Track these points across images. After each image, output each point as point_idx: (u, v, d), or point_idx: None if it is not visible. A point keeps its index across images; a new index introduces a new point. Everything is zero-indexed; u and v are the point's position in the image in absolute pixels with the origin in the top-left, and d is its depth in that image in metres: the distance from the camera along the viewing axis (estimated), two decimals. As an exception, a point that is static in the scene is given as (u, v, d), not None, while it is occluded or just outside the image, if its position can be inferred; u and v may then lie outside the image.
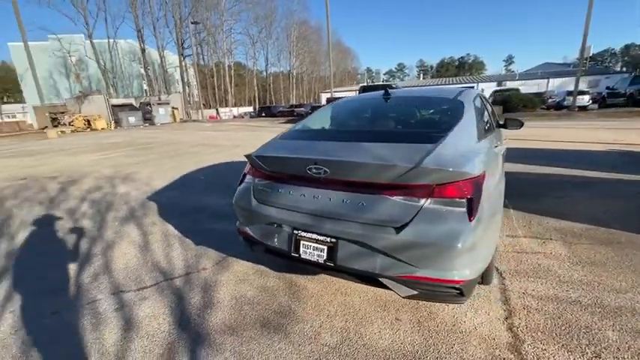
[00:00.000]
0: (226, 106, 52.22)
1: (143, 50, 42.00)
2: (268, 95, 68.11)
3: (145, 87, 50.63)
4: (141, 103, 29.91)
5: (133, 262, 2.76)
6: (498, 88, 29.66)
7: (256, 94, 63.58)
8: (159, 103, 29.32)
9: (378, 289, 1.98)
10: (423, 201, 1.50)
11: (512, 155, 6.59)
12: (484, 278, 1.99)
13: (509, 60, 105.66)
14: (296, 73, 69.06)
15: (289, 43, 64.99)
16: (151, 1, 42.12)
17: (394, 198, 1.55)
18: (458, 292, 1.51)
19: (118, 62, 46.28)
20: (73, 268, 2.69)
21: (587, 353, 1.59)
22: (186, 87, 43.01)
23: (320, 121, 2.65)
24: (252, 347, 1.73)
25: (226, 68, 52.04)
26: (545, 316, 1.86)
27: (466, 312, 1.94)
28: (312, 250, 1.73)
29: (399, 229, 1.50)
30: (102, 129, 23.58)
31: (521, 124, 3.64)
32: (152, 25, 43.15)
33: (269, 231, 1.93)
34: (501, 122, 3.65)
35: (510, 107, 19.67)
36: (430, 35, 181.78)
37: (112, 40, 42.21)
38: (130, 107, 29.08)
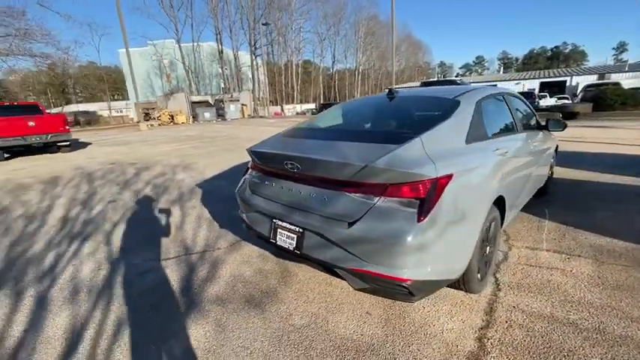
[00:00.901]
0: (292, 102, 54.46)
1: (221, 51, 46.13)
2: (333, 92, 68.94)
3: (222, 85, 55.58)
4: (215, 100, 33.09)
5: (167, 237, 3.26)
6: (592, 82, 25.36)
7: (321, 91, 65.01)
8: (230, 100, 32.07)
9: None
10: (376, 199, 1.56)
11: (573, 160, 5.80)
12: (466, 285, 1.93)
13: (621, 47, 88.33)
14: (362, 69, 68.55)
15: (357, 39, 64.75)
16: (229, 6, 45.93)
17: (351, 195, 1.63)
18: (406, 291, 1.53)
19: (200, 63, 51.55)
20: (117, 236, 3.30)
21: (555, 376, 1.47)
22: (257, 85, 46.01)
23: (323, 119, 2.77)
24: (230, 317, 1.98)
25: (293, 66, 54.17)
26: (527, 333, 1.74)
27: (440, 316, 1.91)
28: (285, 238, 1.90)
29: (351, 224, 1.58)
30: (182, 123, 26.75)
31: (565, 126, 3.26)
32: (229, 28, 47.07)
33: (258, 219, 2.16)
34: (543, 123, 3.30)
35: (604, 105, 16.73)
36: (515, 24, 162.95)
37: (195, 44, 47.19)
38: (206, 104, 32.37)
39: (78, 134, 18.17)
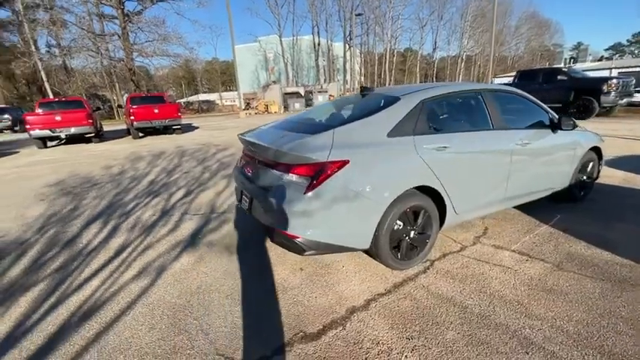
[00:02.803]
0: (384, 93, 53.38)
1: (318, 43, 48.37)
2: (430, 80, 64.75)
3: (319, 76, 58.39)
4: (306, 91, 35.32)
5: (206, 199, 4.28)
6: None
7: (417, 80, 61.80)
8: (319, 91, 33.78)
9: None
10: (284, 175, 2.06)
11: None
12: (378, 259, 2.26)
13: None
14: (466, 56, 62.15)
15: (463, 23, 58.85)
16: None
17: (272, 171, 2.15)
18: (298, 246, 2.01)
19: (300, 56, 55.08)
20: (175, 197, 4.47)
21: (403, 337, 1.76)
22: (350, 75, 46.93)
23: (308, 113, 3.24)
24: (210, 255, 2.76)
25: (387, 55, 52.90)
26: (413, 305, 2.00)
27: (353, 280, 2.29)
28: (244, 202, 2.55)
29: (268, 193, 2.13)
30: (274, 112, 29.63)
31: (574, 126, 2.97)
32: (325, 21, 48.81)
33: (237, 189, 2.85)
34: (555, 121, 3.07)
35: None
36: None
37: (295, 38, 50.59)
38: (297, 95, 34.87)
39: (194, 119, 22.23)
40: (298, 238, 1.99)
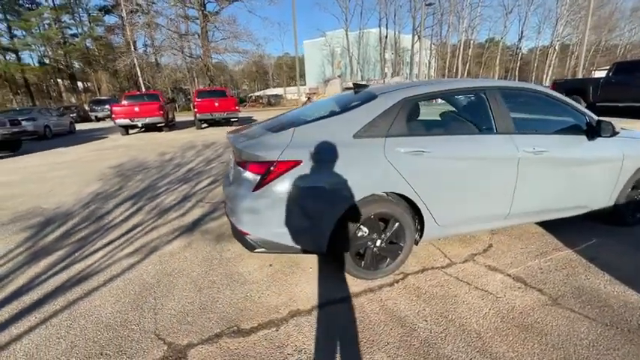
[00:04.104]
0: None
1: (386, 36, 46.92)
2: (512, 74, 57.87)
3: (385, 70, 56.80)
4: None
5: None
6: None
7: (496, 74, 55.84)
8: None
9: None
10: (243, 173, 2.08)
11: None
12: (343, 265, 2.16)
13: None
14: (560, 45, 53.85)
15: (558, 7, 51.04)
16: (400, -11, 45.51)
17: (239, 169, 2.19)
18: (248, 242, 2.03)
19: (366, 49, 54.14)
20: (200, 185, 4.83)
21: (329, 350, 1.68)
22: (418, 68, 44.54)
23: (306, 110, 3.16)
24: (199, 241, 2.95)
25: (462, 47, 48.74)
26: (359, 318, 1.89)
27: (310, 283, 2.24)
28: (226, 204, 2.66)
29: (232, 189, 2.18)
30: (335, 106, 29.98)
31: (613, 131, 2.41)
32: (394, 12, 46.93)
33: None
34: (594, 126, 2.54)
35: None
36: None
37: (361, 31, 49.80)
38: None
39: (257, 113, 23.59)
40: (248, 234, 2.02)
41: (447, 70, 51.82)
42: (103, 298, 2.15)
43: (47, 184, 5.25)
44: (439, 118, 2.56)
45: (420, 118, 2.49)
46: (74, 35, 38.20)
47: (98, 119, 22.92)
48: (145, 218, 3.56)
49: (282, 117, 2.89)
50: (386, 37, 47.60)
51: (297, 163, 1.93)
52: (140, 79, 29.04)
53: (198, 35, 29.47)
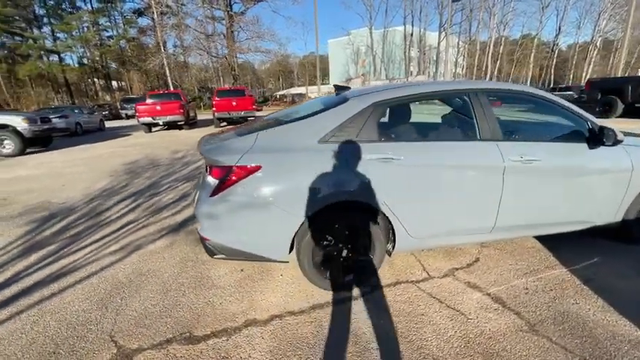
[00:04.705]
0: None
1: (411, 34, 45.85)
2: (547, 72, 54.63)
3: (411, 69, 55.56)
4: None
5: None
6: None
7: (529, 72, 52.98)
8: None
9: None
10: (206, 178, 2.05)
11: None
12: (307, 276, 2.09)
13: None
14: (602, 42, 50.10)
15: (601, 1, 47.45)
16: (428, -15, 44.25)
17: (205, 173, 2.17)
18: (207, 248, 2.01)
19: (391, 47, 53.17)
20: (192, 182, 4.90)
21: None
22: (444, 67, 43.14)
23: (286, 112, 3.09)
24: (180, 241, 2.98)
25: (492, 44, 46.61)
26: (313, 333, 1.81)
27: (278, 292, 2.19)
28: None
29: (198, 189, 2.17)
30: (356, 106, 29.73)
31: (616, 138, 2.15)
32: (419, 10, 45.70)
33: None
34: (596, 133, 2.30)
35: None
36: None
37: (386, 30, 48.93)
38: (382, 88, 34.06)
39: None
40: (208, 240, 1.99)
41: (475, 68, 49.82)
42: (74, 295, 2.21)
43: (62, 180, 5.55)
44: (417, 124, 2.41)
45: (394, 123, 2.36)
46: (110, 37, 40.49)
47: (128, 117, 24.08)
48: (139, 216, 3.66)
49: (270, 116, 2.85)
50: (411, 34, 46.50)
51: (255, 168, 1.87)
52: (169, 78, 30.20)
53: (224, 35, 30.20)
